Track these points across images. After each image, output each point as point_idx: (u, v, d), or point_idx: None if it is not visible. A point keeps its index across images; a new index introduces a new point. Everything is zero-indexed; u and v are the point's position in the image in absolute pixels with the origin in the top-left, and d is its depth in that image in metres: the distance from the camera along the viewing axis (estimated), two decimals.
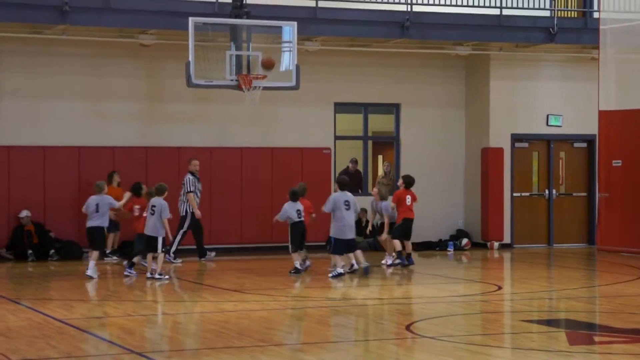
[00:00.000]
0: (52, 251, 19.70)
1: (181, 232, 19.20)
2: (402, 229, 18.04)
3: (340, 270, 16.27)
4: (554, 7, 22.76)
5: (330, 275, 16.28)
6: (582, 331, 11.58)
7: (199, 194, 19.46)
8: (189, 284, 16.41)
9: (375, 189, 19.12)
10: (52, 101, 20.55)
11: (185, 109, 21.29)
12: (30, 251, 19.53)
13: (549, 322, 12.20)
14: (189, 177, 19.53)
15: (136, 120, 21.12)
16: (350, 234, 16.61)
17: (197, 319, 12.63)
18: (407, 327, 11.58)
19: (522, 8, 22.25)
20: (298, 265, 16.81)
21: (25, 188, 20.09)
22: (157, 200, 16.30)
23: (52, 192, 20.29)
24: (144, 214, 16.52)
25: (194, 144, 21.25)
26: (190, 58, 18.04)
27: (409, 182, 18.43)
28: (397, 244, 17.95)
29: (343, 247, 16.50)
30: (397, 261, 18.01)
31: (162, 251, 16.23)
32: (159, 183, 16.79)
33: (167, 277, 16.19)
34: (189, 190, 19.30)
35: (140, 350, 10.09)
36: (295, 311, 13.33)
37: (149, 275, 16.08)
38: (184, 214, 19.28)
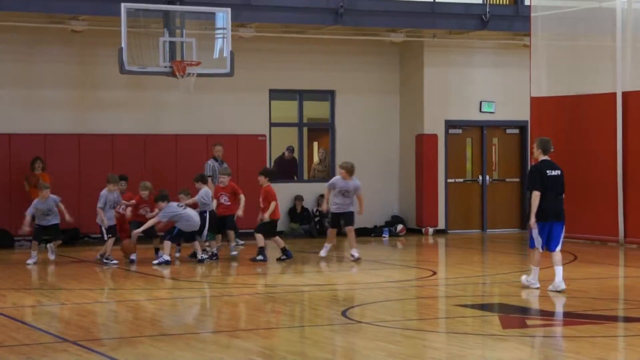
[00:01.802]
0: None
1: None
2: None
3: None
4: None
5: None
6: (514, 315, 11.74)
7: (218, 180, 18.98)
8: (124, 272, 16.28)
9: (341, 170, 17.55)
10: None
11: (119, 95, 21.11)
12: None
13: (483, 307, 12.35)
14: (210, 162, 19.62)
15: (68, 108, 20.89)
16: None
17: (132, 307, 12.54)
18: (343, 313, 11.63)
19: None
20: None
21: None
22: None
23: None
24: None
25: (127, 130, 21.09)
26: (123, 44, 17.90)
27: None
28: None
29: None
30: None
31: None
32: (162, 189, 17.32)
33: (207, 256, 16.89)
34: (206, 174, 19.18)
35: (73, 338, 10.00)
36: (231, 298, 13.30)
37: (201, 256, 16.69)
38: None
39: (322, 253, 17.41)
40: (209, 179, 18.76)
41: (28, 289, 14.30)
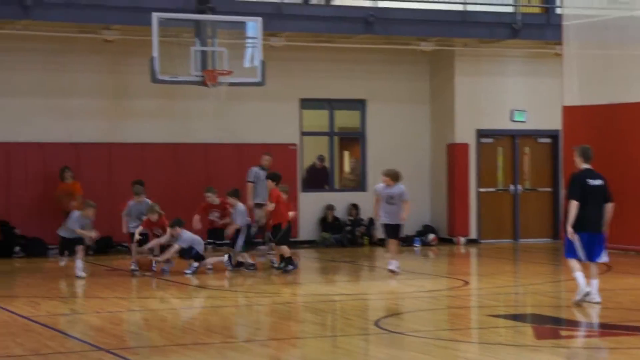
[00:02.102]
0: (17, 248, 19.58)
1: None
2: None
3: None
4: (518, 3, 22.91)
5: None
6: (548, 325, 11.68)
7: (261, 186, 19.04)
8: (157, 281, 16.35)
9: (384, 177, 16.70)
10: (14, 97, 20.39)
11: (150, 105, 21.21)
12: None
13: (516, 317, 12.29)
14: (254, 169, 19.48)
15: (99, 117, 21.00)
16: None
17: (165, 316, 12.60)
18: (376, 323, 11.62)
19: (486, 4, 22.41)
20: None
21: None
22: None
23: (16, 189, 20.16)
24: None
25: (158, 140, 21.18)
26: (155, 54, 18.00)
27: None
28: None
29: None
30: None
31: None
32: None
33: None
34: (248, 179, 19.29)
35: (107, 347, 10.06)
36: (263, 307, 13.33)
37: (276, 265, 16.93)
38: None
39: (393, 267, 16.27)
40: (250, 185, 18.94)
41: (62, 297, 14.39)
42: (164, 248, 16.69)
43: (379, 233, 17.35)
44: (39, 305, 13.10)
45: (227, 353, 9.84)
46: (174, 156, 21.23)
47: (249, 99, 21.21)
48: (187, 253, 16.40)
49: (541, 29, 22.65)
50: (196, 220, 17.13)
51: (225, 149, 21.57)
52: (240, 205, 17.14)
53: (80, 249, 16.03)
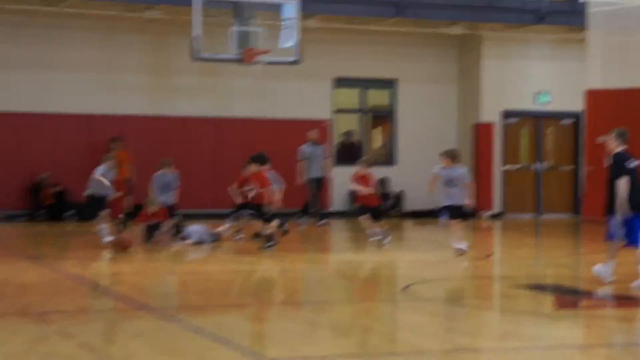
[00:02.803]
0: (69, 212, 19.84)
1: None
2: None
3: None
4: None
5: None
6: (568, 296, 11.66)
7: (311, 161, 19.53)
8: (199, 246, 16.43)
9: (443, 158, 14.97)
10: (64, 72, 20.55)
11: (191, 81, 21.30)
12: (42, 211, 19.70)
13: (537, 287, 12.26)
14: (302, 146, 19.81)
15: (144, 92, 21.13)
16: None
17: (206, 279, 12.69)
18: (404, 290, 11.65)
19: None
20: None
21: (42, 153, 20.18)
22: None
23: (67, 157, 20.37)
24: None
25: (198, 114, 21.28)
26: (196, 33, 18.04)
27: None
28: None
29: None
30: None
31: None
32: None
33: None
34: (298, 158, 19.71)
35: (150, 306, 10.16)
36: (298, 273, 13.40)
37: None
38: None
39: (463, 247, 14.59)
40: (302, 162, 19.14)
41: (108, 259, 14.51)
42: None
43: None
44: (87, 265, 13.24)
45: (263, 315, 9.92)
46: (214, 130, 21.33)
47: (284, 77, 21.24)
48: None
49: (566, 15, 22.50)
50: (233, 190, 16.85)
51: (262, 123, 21.65)
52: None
53: (104, 214, 15.45)
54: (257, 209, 15.45)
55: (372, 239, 15.96)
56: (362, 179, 16.12)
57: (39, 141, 20.24)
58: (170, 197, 16.53)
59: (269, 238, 15.10)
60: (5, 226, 19.20)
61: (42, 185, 19.95)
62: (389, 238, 15.96)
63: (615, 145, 12.14)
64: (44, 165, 20.06)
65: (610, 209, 11.78)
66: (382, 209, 16.67)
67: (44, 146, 20.20)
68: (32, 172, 20.09)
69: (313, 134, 20.00)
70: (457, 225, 14.73)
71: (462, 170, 14.73)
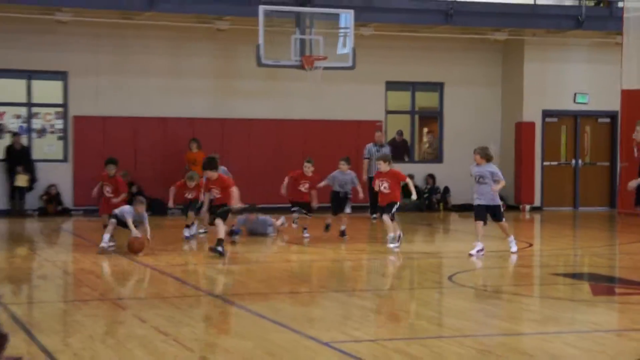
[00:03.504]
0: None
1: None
2: None
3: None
4: None
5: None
6: (604, 283, 11.49)
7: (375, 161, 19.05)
8: (261, 239, 16.49)
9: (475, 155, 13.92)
10: (141, 78, 20.77)
11: (255, 85, 21.38)
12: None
13: (574, 275, 12.11)
14: (368, 145, 19.65)
15: (212, 95, 21.27)
16: None
17: (265, 268, 12.73)
18: (449, 278, 11.58)
19: None
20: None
21: (119, 152, 20.37)
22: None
23: (142, 156, 20.59)
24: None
25: (262, 116, 21.36)
26: (260, 41, 18.10)
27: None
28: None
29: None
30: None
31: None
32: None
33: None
34: (363, 156, 19.57)
35: (216, 292, 10.22)
36: (351, 262, 13.38)
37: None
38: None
39: (473, 252, 13.47)
40: (365, 161, 18.80)
41: (179, 251, 14.62)
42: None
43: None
44: (159, 256, 13.36)
45: (318, 301, 9.92)
46: (276, 130, 21.39)
47: (341, 81, 21.23)
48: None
49: (603, 20, 22.17)
50: (284, 185, 15.63)
51: (320, 124, 21.66)
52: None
53: (112, 222, 13.50)
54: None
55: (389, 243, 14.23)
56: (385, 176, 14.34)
57: (119, 141, 20.47)
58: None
59: (221, 242, 13.04)
60: (85, 220, 19.42)
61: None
62: (398, 244, 14.24)
63: None
64: (123, 164, 20.26)
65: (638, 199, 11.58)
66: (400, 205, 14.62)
67: (123, 146, 20.42)
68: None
69: (379, 135, 19.78)
70: (503, 226, 13.78)
71: (493, 169, 13.59)
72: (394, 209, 14.35)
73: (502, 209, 13.80)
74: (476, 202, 13.71)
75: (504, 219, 13.76)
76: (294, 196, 15.74)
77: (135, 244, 13.22)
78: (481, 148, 13.80)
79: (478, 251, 13.44)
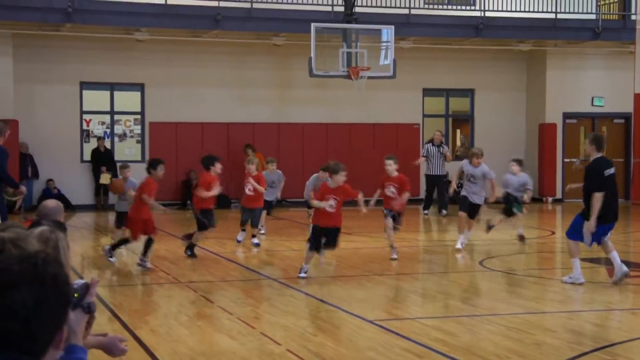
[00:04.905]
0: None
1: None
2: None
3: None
4: (599, 11, 22.06)
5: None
6: None
7: (432, 160, 18.67)
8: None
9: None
10: (208, 88, 20.90)
11: (307, 94, 21.37)
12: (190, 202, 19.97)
13: (593, 260, 11.93)
14: (426, 144, 19.24)
15: (270, 103, 21.31)
16: None
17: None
18: (480, 263, 11.47)
19: (573, 12, 21.63)
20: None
21: (189, 154, 20.53)
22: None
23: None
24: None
25: (314, 120, 21.35)
26: (312, 54, 18.09)
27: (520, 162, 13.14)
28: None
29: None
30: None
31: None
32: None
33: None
34: (421, 154, 19.08)
35: (274, 277, 10.24)
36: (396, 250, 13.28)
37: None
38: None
39: (458, 245, 12.50)
40: (422, 159, 18.25)
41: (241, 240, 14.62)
42: None
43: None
44: (225, 244, 13.43)
45: (364, 283, 9.89)
46: (326, 133, 21.36)
47: (383, 88, 21.11)
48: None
49: (618, 31, 21.77)
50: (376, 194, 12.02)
51: (364, 127, 21.59)
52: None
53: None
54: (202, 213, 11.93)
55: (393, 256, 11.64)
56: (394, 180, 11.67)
57: (186, 145, 20.57)
58: (272, 194, 14.19)
59: (193, 248, 11.82)
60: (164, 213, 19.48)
61: (190, 181, 20.25)
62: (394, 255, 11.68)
63: None
64: (192, 165, 20.40)
65: None
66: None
67: (192, 149, 20.51)
68: (184, 170, 20.46)
69: (437, 135, 19.25)
70: (462, 217, 12.62)
71: (486, 169, 12.76)
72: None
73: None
74: (463, 193, 12.84)
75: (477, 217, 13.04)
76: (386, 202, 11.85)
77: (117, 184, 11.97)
78: (474, 150, 13.25)
79: (462, 243, 12.50)
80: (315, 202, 10.00)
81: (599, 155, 9.57)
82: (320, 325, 7.48)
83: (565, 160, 22.52)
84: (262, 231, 14.31)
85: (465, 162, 13.07)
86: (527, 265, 11.78)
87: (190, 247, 11.78)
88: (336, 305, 8.30)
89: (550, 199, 22.10)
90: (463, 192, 12.96)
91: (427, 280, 10.48)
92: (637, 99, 20.24)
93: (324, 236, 9.97)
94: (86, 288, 2.63)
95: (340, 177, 10.01)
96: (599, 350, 6.58)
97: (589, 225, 9.38)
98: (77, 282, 2.66)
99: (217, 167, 11.78)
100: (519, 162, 13.68)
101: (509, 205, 13.35)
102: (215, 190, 11.62)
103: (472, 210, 12.84)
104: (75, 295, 2.58)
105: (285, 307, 8.40)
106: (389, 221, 11.46)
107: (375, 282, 10.03)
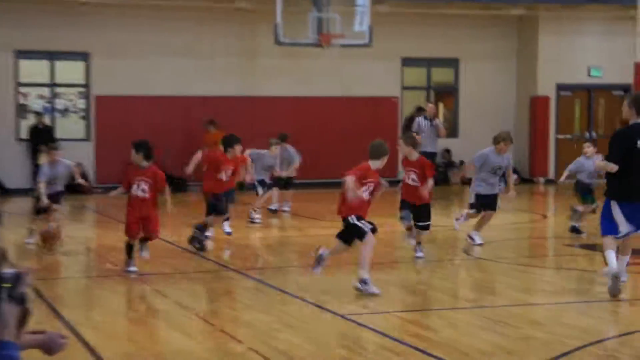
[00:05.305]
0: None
1: None
2: None
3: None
4: None
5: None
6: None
7: (424, 136, 17.84)
8: (280, 214, 16.47)
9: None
10: (162, 57, 20.72)
11: (275, 64, 21.29)
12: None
13: (587, 246, 12.03)
14: (417, 118, 18.51)
15: (233, 75, 21.19)
16: None
17: (282, 242, 12.71)
18: (464, 251, 11.53)
19: None
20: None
21: (140, 132, 20.28)
22: None
23: (165, 135, 20.45)
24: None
25: (283, 93, 21.30)
26: (278, 19, 18.00)
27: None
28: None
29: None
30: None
31: None
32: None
33: None
34: (412, 130, 17.95)
35: (235, 267, 10.22)
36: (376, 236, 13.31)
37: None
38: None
39: (477, 240, 11.81)
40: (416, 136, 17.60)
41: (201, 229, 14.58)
42: None
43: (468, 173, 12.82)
44: (182, 233, 13.36)
45: (337, 274, 9.90)
46: (296, 107, 21.33)
47: (357, 58, 21.09)
48: None
49: None
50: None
51: (338, 101, 21.57)
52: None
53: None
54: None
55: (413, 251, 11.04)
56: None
57: (141, 122, 20.39)
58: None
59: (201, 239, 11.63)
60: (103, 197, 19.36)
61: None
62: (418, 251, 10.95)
63: None
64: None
65: None
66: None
67: (145, 126, 20.33)
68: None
69: (430, 108, 18.79)
70: (489, 216, 12.03)
71: (509, 158, 11.99)
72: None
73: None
74: (483, 192, 11.95)
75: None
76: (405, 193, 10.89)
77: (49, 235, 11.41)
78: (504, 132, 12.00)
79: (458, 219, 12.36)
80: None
81: (639, 120, 8.74)
82: (287, 320, 7.49)
83: (559, 136, 22.68)
84: (286, 208, 15.63)
85: (489, 151, 11.64)
86: (516, 252, 11.86)
87: (197, 239, 11.39)
88: (304, 299, 8.30)
89: (542, 179, 22.27)
90: (485, 190, 11.75)
91: (406, 269, 10.51)
92: (637, 68, 20.38)
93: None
94: (18, 278, 2.60)
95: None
96: (592, 345, 6.65)
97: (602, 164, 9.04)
98: (7, 271, 2.63)
99: (237, 150, 11.83)
100: (594, 142, 12.65)
101: (584, 195, 13.17)
102: (224, 175, 11.65)
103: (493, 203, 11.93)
104: (6, 285, 2.55)
105: (247, 301, 8.40)
106: (406, 223, 10.70)
107: (348, 272, 10.04)
